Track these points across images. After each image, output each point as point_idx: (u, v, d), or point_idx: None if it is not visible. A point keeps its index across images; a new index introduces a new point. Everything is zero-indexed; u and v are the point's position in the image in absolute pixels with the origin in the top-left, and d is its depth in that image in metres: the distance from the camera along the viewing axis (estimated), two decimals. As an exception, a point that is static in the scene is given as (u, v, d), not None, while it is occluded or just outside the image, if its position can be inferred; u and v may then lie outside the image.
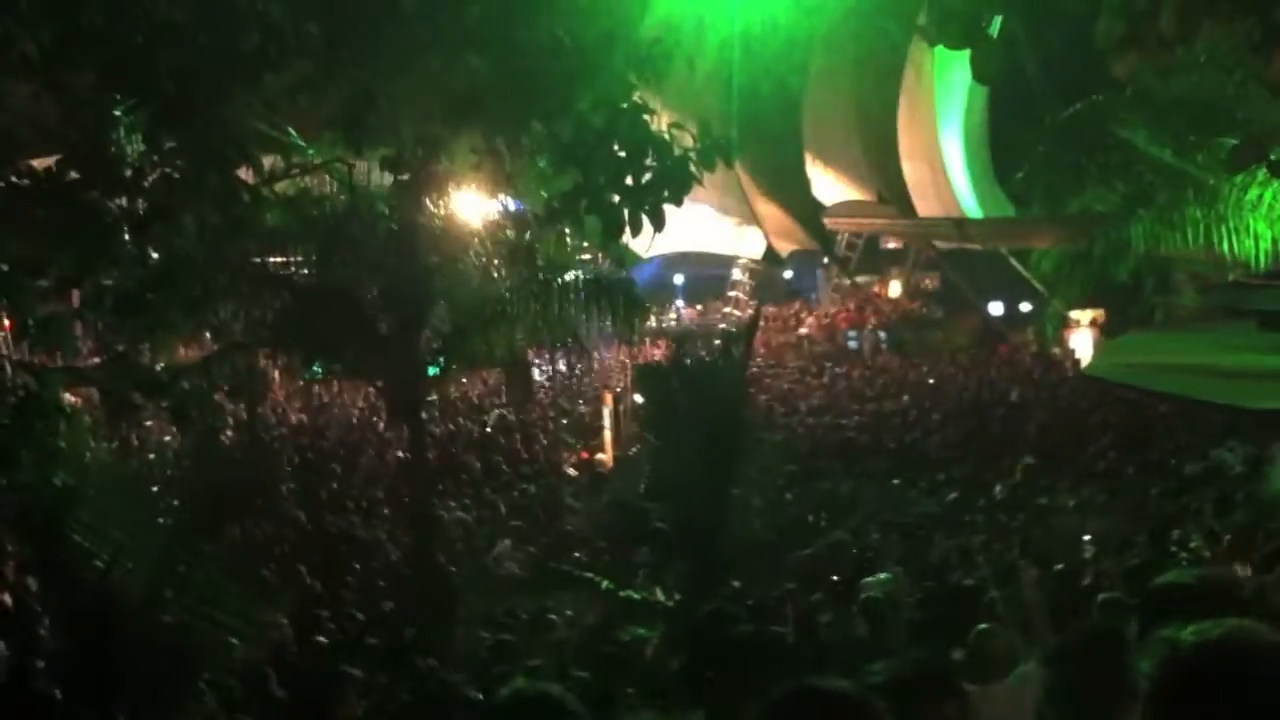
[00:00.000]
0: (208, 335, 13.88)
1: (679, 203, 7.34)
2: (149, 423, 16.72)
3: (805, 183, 32.87)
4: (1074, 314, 28.60)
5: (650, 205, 7.29)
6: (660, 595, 12.33)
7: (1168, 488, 16.72)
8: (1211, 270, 23.70)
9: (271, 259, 14.29)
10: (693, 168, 7.38)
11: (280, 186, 12.10)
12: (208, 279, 11.88)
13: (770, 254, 35.90)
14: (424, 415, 15.03)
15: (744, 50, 28.77)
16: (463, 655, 11.88)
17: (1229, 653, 1.94)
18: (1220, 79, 16.31)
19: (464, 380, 23.29)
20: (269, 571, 14.62)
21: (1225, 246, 20.86)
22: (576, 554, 15.38)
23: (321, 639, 11.92)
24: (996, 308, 34.08)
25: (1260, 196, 19.27)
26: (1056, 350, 29.35)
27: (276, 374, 17.71)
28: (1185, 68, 15.92)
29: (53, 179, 6.62)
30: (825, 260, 38.74)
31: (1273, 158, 14.11)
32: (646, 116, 7.70)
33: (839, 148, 34.05)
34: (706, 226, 33.51)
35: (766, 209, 33.12)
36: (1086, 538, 13.77)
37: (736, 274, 38.15)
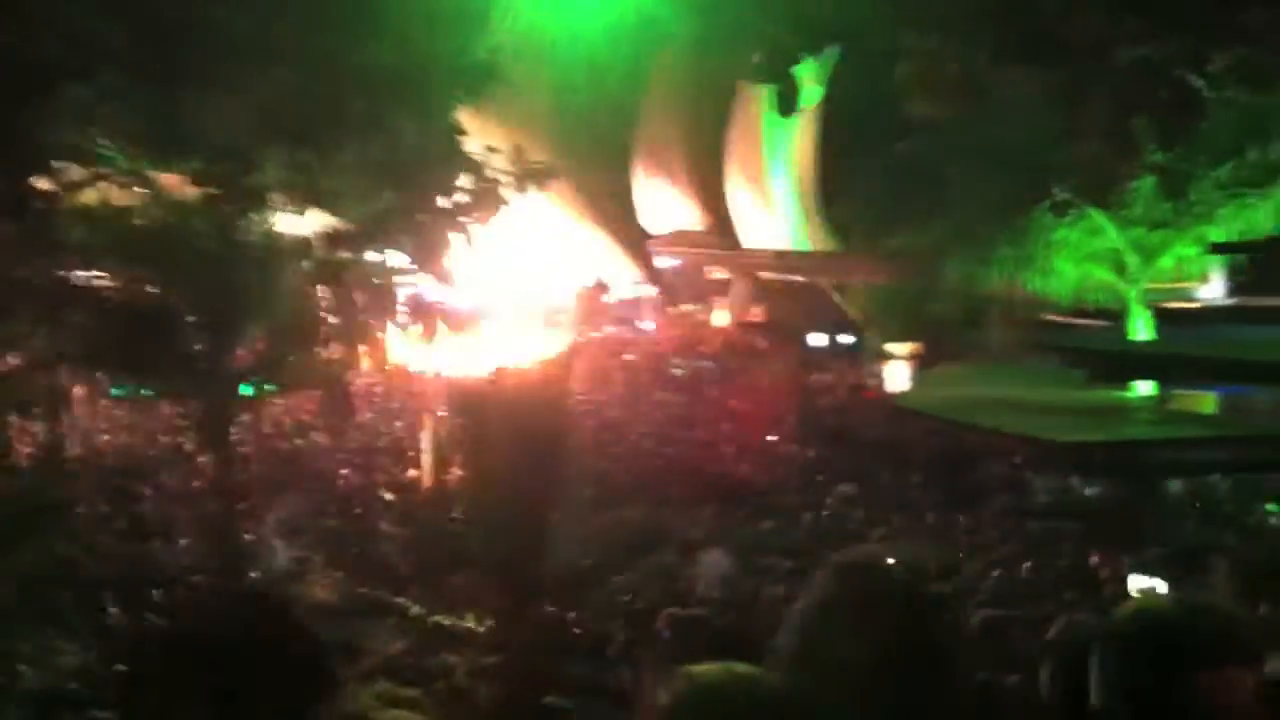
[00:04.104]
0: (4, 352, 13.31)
1: (486, 223, 7.34)
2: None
3: (633, 210, 33.13)
4: (891, 347, 29.31)
5: (461, 226, 7.27)
6: (472, 622, 12.21)
7: (975, 518, 17.24)
8: (1020, 307, 24.64)
9: (77, 273, 13.76)
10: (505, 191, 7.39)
11: (87, 198, 11.69)
12: (3, 293, 11.40)
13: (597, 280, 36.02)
14: (234, 437, 14.63)
15: (587, 73, 28.99)
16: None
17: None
18: (1025, 123, 16.95)
19: (279, 402, 22.75)
20: (67, 597, 14.02)
21: (1033, 285, 21.68)
22: (388, 580, 15.13)
23: (122, 668, 11.45)
24: (819, 339, 34.72)
25: (1065, 237, 20.04)
26: (873, 382, 30.03)
27: (79, 392, 17.07)
28: (990, 113, 16.58)
29: None
30: (654, 289, 39.00)
31: (1056, 198, 14.78)
32: (461, 137, 7.68)
33: (667, 177, 34.42)
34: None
35: (596, 234, 33.28)
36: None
37: (564, 299, 38.13)
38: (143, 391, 16.95)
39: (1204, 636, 2.26)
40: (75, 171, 11.18)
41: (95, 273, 14.03)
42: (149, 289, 13.62)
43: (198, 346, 13.89)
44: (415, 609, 11.83)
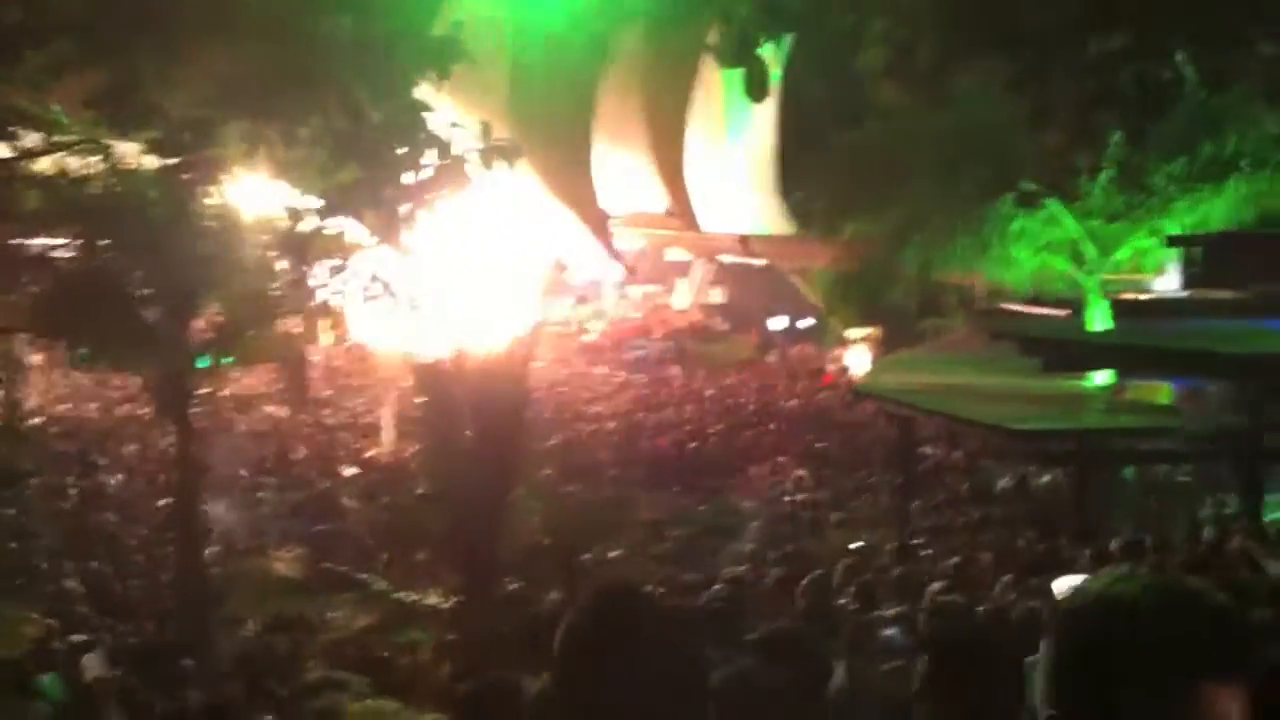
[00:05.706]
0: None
1: (451, 199, 7.34)
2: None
3: (593, 190, 33.04)
4: (851, 332, 29.42)
5: (427, 202, 7.25)
6: (435, 599, 12.21)
7: (932, 504, 17.40)
8: (978, 295, 24.80)
9: (33, 240, 13.58)
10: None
11: (42, 165, 11.52)
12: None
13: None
14: (192, 409, 14.48)
15: (545, 51, 28.86)
16: (228, 657, 11.54)
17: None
18: (988, 111, 16.99)
19: (237, 375, 22.60)
20: (25, 566, 13.97)
21: (991, 273, 21.83)
22: (351, 556, 15.11)
23: (79, 638, 11.37)
24: (779, 323, 34.80)
25: (1023, 227, 20.14)
26: (832, 367, 30.15)
27: (36, 360, 16.86)
28: (950, 100, 16.64)
29: None
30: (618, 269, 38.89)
31: (1022, 189, 14.79)
32: (427, 114, 7.65)
33: (628, 158, 34.35)
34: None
35: (558, 214, 33.17)
36: (856, 545, 14.27)
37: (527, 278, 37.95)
38: (98, 361, 16.74)
39: (1182, 637, 1.73)
40: (31, 138, 11.03)
41: (50, 240, 13.84)
42: (105, 258, 13.45)
43: (153, 317, 13.74)
44: (378, 585, 11.81)
